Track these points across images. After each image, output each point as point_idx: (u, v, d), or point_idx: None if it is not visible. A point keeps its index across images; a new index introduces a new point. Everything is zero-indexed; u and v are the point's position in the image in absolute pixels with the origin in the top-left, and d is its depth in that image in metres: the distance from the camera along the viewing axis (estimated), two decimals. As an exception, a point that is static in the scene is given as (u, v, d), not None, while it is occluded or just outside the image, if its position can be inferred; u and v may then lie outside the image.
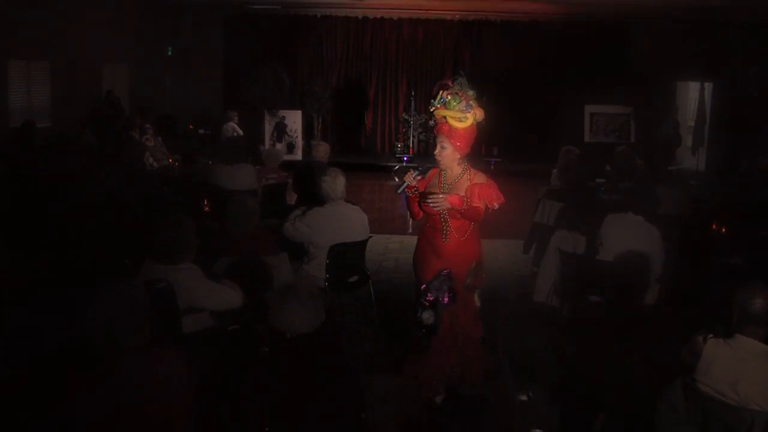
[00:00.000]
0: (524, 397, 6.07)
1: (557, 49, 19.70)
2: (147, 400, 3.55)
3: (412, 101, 20.48)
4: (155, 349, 3.68)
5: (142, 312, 3.66)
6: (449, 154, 5.65)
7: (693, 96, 19.02)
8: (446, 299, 5.51)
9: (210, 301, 5.32)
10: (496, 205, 5.53)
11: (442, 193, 5.58)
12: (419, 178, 5.71)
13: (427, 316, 5.50)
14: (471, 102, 5.50)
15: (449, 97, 5.49)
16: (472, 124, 5.57)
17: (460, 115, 5.48)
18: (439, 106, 5.55)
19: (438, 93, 5.58)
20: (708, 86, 18.16)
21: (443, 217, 5.66)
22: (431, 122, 5.81)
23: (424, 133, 20.58)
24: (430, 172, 5.89)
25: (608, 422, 5.53)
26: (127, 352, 3.57)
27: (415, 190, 5.73)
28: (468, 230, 5.70)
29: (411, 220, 7.57)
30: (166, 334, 4.50)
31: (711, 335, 4.15)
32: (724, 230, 7.86)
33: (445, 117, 5.55)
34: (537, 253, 8.74)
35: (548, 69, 19.73)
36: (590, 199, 8.55)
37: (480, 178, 5.69)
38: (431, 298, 5.49)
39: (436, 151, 5.72)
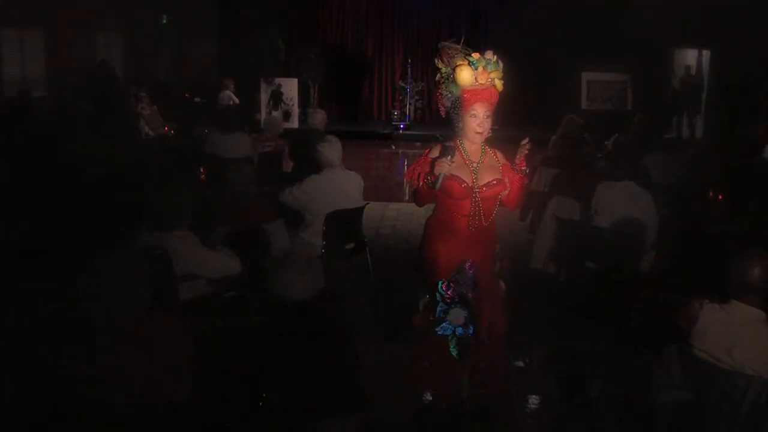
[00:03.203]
0: (521, 364, 6.10)
1: (554, 15, 19.60)
2: (144, 367, 3.55)
3: (408, 68, 20.42)
4: (152, 317, 3.69)
5: (139, 280, 3.66)
6: (490, 125, 4.81)
7: (691, 63, 18.96)
8: (471, 294, 4.74)
9: (206, 269, 5.33)
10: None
11: (472, 168, 4.80)
12: (453, 163, 4.69)
13: (454, 317, 4.73)
14: None
15: (495, 57, 4.69)
16: None
17: (502, 75, 4.73)
18: (490, 69, 4.66)
19: (467, 57, 4.69)
20: (706, 53, 18.11)
21: (475, 200, 4.82)
22: (451, 92, 4.78)
23: (420, 101, 20.59)
24: (438, 150, 4.84)
25: (604, 388, 5.56)
26: (125, 321, 3.57)
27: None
28: (494, 213, 4.93)
29: (408, 187, 7.49)
30: (163, 301, 4.50)
31: (707, 301, 4.16)
32: (721, 197, 7.87)
33: (493, 80, 4.70)
34: (534, 221, 8.74)
35: (545, 35, 19.65)
36: (588, 166, 8.54)
37: (502, 154, 4.96)
38: (455, 295, 4.72)
39: (479, 124, 4.75)
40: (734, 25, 15.52)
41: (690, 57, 18.93)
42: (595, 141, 10.30)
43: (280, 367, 3.95)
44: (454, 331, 4.76)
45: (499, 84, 4.74)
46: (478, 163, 4.84)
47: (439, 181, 4.68)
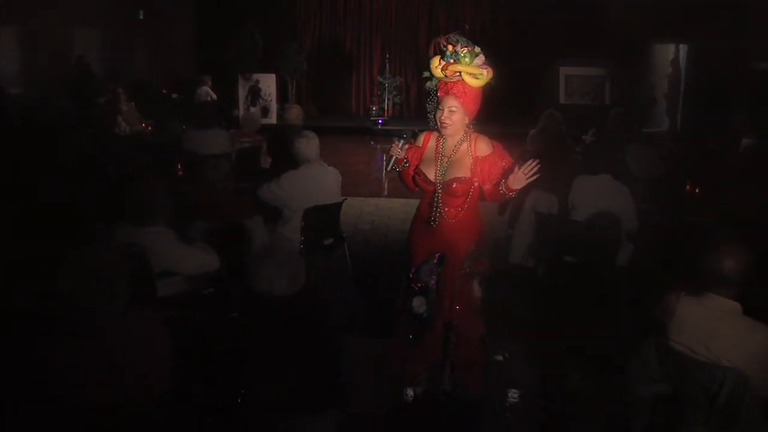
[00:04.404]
0: (500, 358, 6.10)
1: (533, 10, 19.64)
2: (122, 364, 3.54)
3: (387, 64, 20.42)
4: (130, 314, 3.67)
5: (117, 276, 3.64)
6: (459, 119, 4.81)
7: (668, 58, 19.01)
8: (434, 284, 4.85)
9: (184, 265, 5.33)
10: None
11: (441, 163, 4.88)
12: (406, 146, 4.93)
13: (417, 304, 4.81)
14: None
15: (465, 51, 4.67)
16: (483, 83, 4.80)
17: (477, 71, 4.70)
18: (452, 60, 4.69)
19: (443, 48, 4.75)
20: (683, 47, 18.17)
21: (436, 194, 4.91)
22: (430, 83, 4.90)
23: (398, 96, 20.59)
24: (424, 137, 5.05)
25: (582, 380, 5.58)
26: (103, 317, 3.55)
27: (406, 163, 4.97)
28: (463, 208, 4.92)
29: (386, 183, 7.47)
30: (140, 298, 4.48)
31: (684, 294, 4.18)
32: (698, 190, 7.91)
33: (459, 73, 4.70)
34: (512, 215, 8.76)
35: (523, 30, 19.68)
36: (566, 160, 8.57)
37: (484, 145, 4.92)
38: (421, 284, 4.81)
39: (443, 116, 4.80)
40: (712, 19, 15.59)
41: (668, 51, 18.99)
42: (573, 135, 10.34)
43: (260, 362, 3.94)
44: (415, 318, 4.83)
45: (469, 79, 4.73)
46: (450, 157, 4.88)
47: (391, 163, 4.91)
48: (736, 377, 3.87)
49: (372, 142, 18.21)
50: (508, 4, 20.28)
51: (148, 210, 5.15)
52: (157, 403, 3.65)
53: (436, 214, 4.93)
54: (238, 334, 4.10)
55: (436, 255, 4.83)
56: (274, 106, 18.55)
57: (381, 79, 20.30)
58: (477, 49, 4.78)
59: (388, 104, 20.19)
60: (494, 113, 17.15)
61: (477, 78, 4.74)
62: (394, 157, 4.89)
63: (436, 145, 4.96)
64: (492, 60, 4.90)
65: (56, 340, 3.52)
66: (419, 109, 21.06)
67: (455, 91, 4.77)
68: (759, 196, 6.91)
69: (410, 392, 5.23)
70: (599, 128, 10.18)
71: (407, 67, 21.65)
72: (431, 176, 4.90)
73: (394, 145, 4.88)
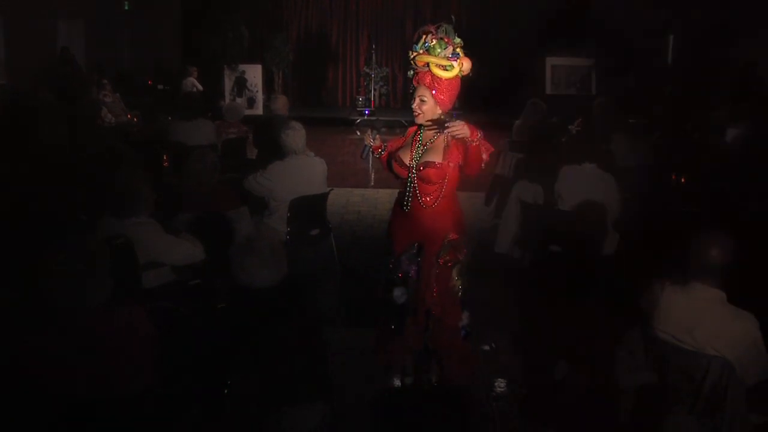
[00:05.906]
0: (487, 347, 6.11)
1: (519, 1, 19.64)
2: (108, 356, 3.53)
3: (373, 54, 20.42)
4: (116, 305, 3.66)
5: (103, 268, 3.63)
6: (430, 109, 4.84)
7: (655, 48, 19.02)
8: (414, 275, 4.92)
9: (170, 256, 5.32)
10: (485, 156, 4.72)
11: (417, 149, 4.92)
12: (377, 136, 5.13)
13: (398, 294, 4.94)
14: (458, 50, 4.73)
15: (434, 42, 4.70)
16: (457, 75, 4.78)
17: (445, 62, 4.71)
18: (421, 51, 4.75)
19: (420, 38, 4.79)
20: (669, 37, 18.19)
21: (410, 180, 4.94)
22: (410, 72, 4.95)
23: (385, 87, 20.62)
24: (409, 130, 5.18)
25: (569, 369, 5.59)
26: (88, 309, 3.54)
27: (381, 151, 5.19)
28: (439, 197, 4.88)
29: (373, 173, 7.42)
30: (126, 289, 4.47)
31: (669, 283, 4.19)
32: (683, 180, 7.93)
33: (428, 64, 4.74)
34: (498, 205, 8.77)
35: (510, 21, 19.67)
36: (553, 150, 8.57)
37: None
38: (401, 274, 4.91)
39: (415, 105, 4.87)
40: (698, 10, 15.63)
41: (654, 41, 19.01)
42: (559, 125, 10.34)
43: (246, 353, 3.94)
44: (396, 308, 4.98)
45: (437, 70, 4.74)
46: (426, 146, 4.92)
47: (365, 151, 5.17)
48: (721, 365, 3.89)
49: (358, 133, 18.22)
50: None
51: (132, 201, 5.14)
52: (142, 395, 3.64)
53: (409, 200, 4.96)
54: (224, 325, 4.09)
55: (415, 245, 4.90)
56: (260, 97, 18.53)
57: (367, 70, 20.30)
58: (456, 41, 4.77)
59: (374, 95, 20.19)
60: (481, 103, 17.26)
61: (446, 70, 4.74)
62: (368, 146, 5.13)
63: (416, 134, 5.02)
64: (478, 50, 4.92)
65: (41, 332, 3.50)
66: (406, 99, 21.05)
67: (425, 82, 4.81)
68: (743, 186, 6.93)
69: (397, 382, 5.27)
70: (585, 118, 10.17)
71: (394, 57, 21.66)
72: (406, 160, 4.95)
73: (367, 134, 5.15)
